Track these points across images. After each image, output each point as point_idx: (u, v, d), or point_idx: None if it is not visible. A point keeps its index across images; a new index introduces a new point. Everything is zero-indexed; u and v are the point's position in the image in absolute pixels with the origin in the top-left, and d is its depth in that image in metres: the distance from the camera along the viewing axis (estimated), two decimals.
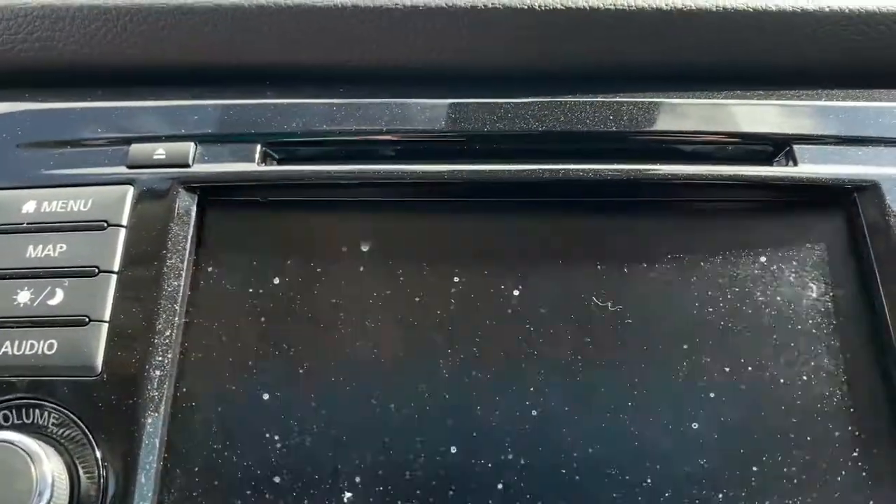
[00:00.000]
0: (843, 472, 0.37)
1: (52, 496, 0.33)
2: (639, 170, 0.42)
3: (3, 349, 0.38)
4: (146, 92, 0.45)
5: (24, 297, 0.39)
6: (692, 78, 0.46)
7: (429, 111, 0.43)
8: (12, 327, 0.38)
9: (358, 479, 0.37)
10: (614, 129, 0.43)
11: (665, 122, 0.44)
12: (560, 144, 0.44)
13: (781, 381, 0.38)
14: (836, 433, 0.37)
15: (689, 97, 0.45)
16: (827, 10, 0.45)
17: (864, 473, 0.37)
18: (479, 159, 0.42)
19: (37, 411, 0.37)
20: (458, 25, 0.44)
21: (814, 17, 0.45)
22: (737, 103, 0.44)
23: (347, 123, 0.43)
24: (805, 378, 0.38)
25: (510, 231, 0.42)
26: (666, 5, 0.44)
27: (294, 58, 0.45)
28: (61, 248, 0.40)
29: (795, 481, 0.36)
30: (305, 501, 0.36)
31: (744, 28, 0.45)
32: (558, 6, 0.44)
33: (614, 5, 0.44)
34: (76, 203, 0.41)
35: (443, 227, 0.42)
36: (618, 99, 0.44)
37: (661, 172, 0.42)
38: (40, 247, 0.40)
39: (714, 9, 0.45)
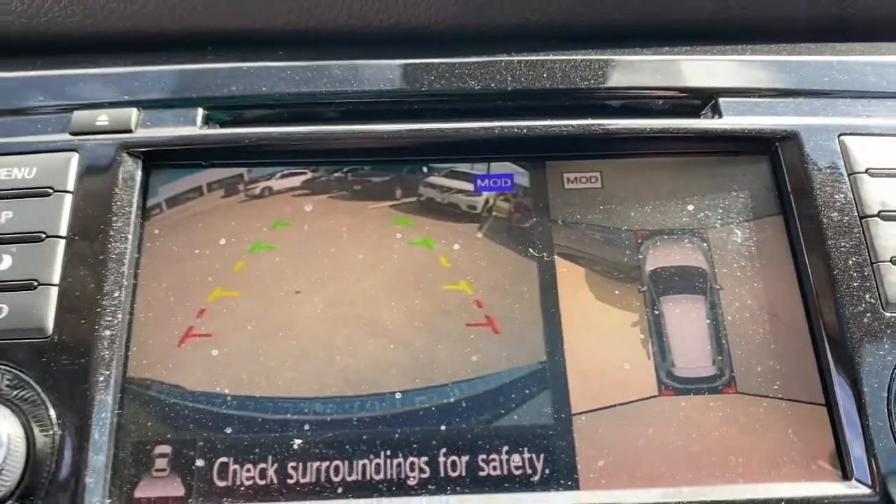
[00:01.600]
0: (765, 373, 0.39)
1: (6, 455, 0.34)
2: (573, 125, 0.43)
3: None
4: (87, 60, 0.45)
5: None
6: (620, 36, 0.48)
7: (368, 72, 0.44)
8: None
9: (306, 427, 0.38)
10: (548, 86, 0.45)
11: (597, 79, 0.45)
12: (497, 102, 0.45)
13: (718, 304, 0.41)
14: (765, 350, 0.40)
15: (618, 54, 0.46)
16: None
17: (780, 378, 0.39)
18: (417, 119, 0.43)
19: None
20: None
21: None
22: (664, 59, 0.46)
23: (288, 86, 0.44)
24: (735, 303, 0.41)
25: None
26: None
27: (234, 22, 0.46)
28: (7, 214, 0.40)
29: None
30: (257, 450, 0.38)
31: None
32: None
33: None
34: (20, 171, 0.41)
35: (382, 185, 0.43)
36: (551, 57, 0.46)
37: (595, 127, 0.43)
38: None
39: None
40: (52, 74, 0.44)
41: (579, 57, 0.46)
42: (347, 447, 0.37)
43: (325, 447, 0.38)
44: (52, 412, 0.37)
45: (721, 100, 0.44)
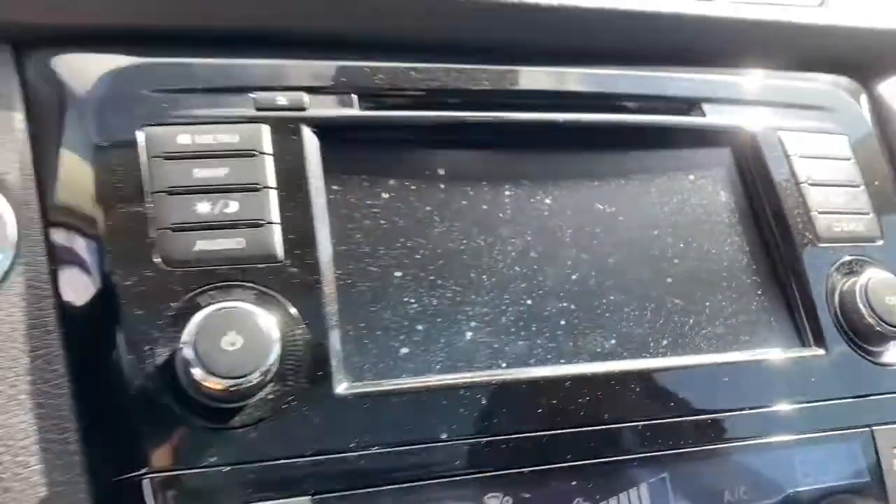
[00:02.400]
0: (738, 316, 0.60)
1: (278, 349, 0.46)
2: (603, 119, 0.62)
3: (199, 246, 0.48)
4: (258, 51, 0.56)
5: (203, 207, 0.50)
6: (623, 59, 0.67)
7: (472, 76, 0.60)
8: (202, 229, 0.49)
9: (473, 324, 0.53)
10: (581, 90, 0.63)
11: (612, 87, 0.64)
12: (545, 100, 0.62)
13: (700, 259, 0.61)
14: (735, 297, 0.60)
15: (629, 71, 0.66)
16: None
17: (753, 319, 0.60)
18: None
19: (239, 290, 0.48)
20: None
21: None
22: (665, 76, 0.66)
23: (421, 83, 0.58)
24: (712, 260, 0.61)
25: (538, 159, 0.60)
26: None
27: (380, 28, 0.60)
28: (224, 170, 0.51)
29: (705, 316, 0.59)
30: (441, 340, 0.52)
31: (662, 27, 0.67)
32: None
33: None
34: (224, 136, 0.52)
35: (492, 158, 0.59)
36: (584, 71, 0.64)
37: (616, 120, 0.62)
38: (205, 170, 0.51)
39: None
40: (237, 63, 0.55)
41: (599, 71, 0.64)
42: None
43: None
44: (328, 307, 0.48)
45: (704, 104, 0.65)
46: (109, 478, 0.45)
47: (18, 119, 0.52)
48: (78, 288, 0.49)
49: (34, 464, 0.44)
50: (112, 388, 0.46)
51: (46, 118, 0.52)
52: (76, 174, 0.51)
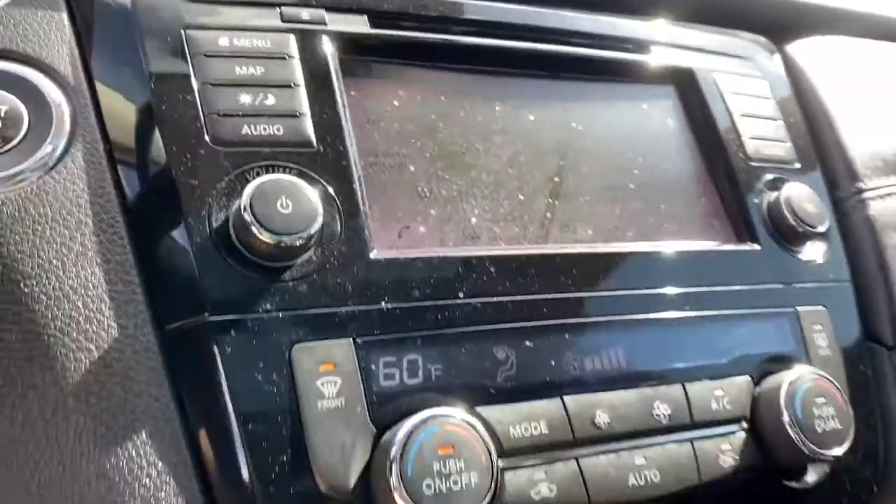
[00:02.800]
0: (688, 217, 0.70)
1: (322, 218, 0.52)
2: (576, 53, 0.72)
3: (245, 130, 0.55)
4: None
5: (245, 98, 0.56)
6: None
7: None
8: (245, 116, 0.55)
9: (477, 211, 0.61)
10: (558, 27, 0.73)
11: (582, 27, 0.74)
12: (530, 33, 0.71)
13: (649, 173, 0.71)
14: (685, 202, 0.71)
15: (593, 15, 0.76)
16: None
17: (700, 220, 0.71)
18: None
19: (280, 169, 0.55)
20: None
21: None
22: (623, 22, 0.77)
23: (423, 10, 0.66)
24: (665, 172, 0.72)
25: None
26: None
27: None
28: (261, 69, 0.57)
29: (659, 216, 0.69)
30: (451, 220, 0.60)
31: None
32: None
33: None
34: (259, 41, 0.59)
35: (484, 79, 0.68)
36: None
37: (585, 54, 0.72)
38: (244, 68, 0.57)
39: None
40: None
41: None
42: None
43: None
44: (357, 187, 0.55)
45: (652, 47, 0.76)
46: (173, 324, 0.51)
47: (65, 17, 0.57)
48: (133, 164, 0.54)
49: (105, 309, 0.49)
50: (172, 249, 0.52)
51: (94, 17, 0.57)
52: (122, 70, 0.56)
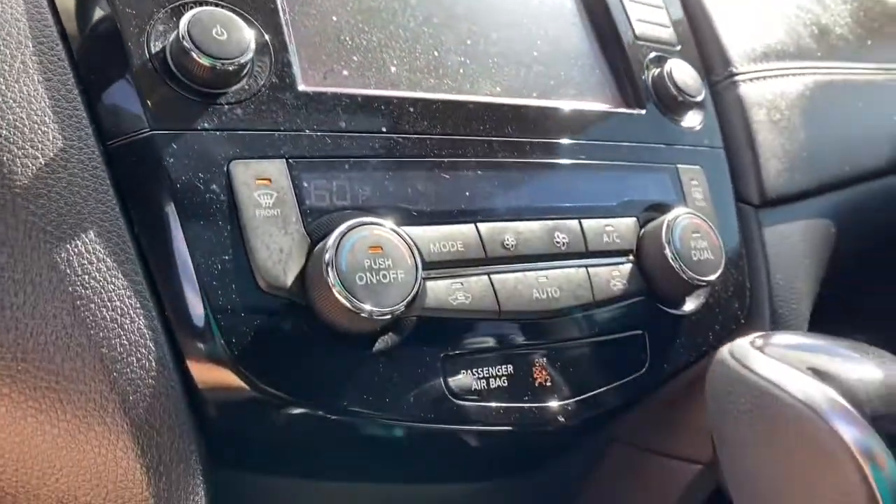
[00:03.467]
0: (585, 84, 0.78)
1: (254, 49, 0.57)
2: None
3: None
4: None
5: None
6: None
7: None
8: None
9: (396, 62, 0.66)
10: None
11: None
12: None
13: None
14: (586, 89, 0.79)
15: None
16: None
17: (595, 87, 0.79)
18: None
19: (213, 6, 0.58)
20: None
21: None
22: None
23: None
24: (566, 46, 0.79)
25: None
26: None
27: None
28: None
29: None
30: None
31: None
32: None
33: None
34: None
35: None
36: None
37: None
38: None
39: None
40: None
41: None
42: None
43: None
44: (285, 29, 0.59)
45: None
46: (116, 140, 0.54)
47: None
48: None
49: (49, 122, 0.52)
50: (112, 75, 0.55)
51: None
52: None
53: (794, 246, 0.84)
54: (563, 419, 0.64)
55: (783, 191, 0.84)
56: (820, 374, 0.44)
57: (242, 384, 0.52)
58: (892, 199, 0.95)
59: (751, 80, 0.89)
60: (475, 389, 0.60)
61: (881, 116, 0.99)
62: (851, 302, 0.93)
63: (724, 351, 0.50)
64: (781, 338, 0.50)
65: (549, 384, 0.64)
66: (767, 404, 0.44)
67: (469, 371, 0.60)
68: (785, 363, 0.45)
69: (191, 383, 0.53)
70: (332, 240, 0.54)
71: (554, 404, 0.64)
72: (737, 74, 0.88)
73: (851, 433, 0.41)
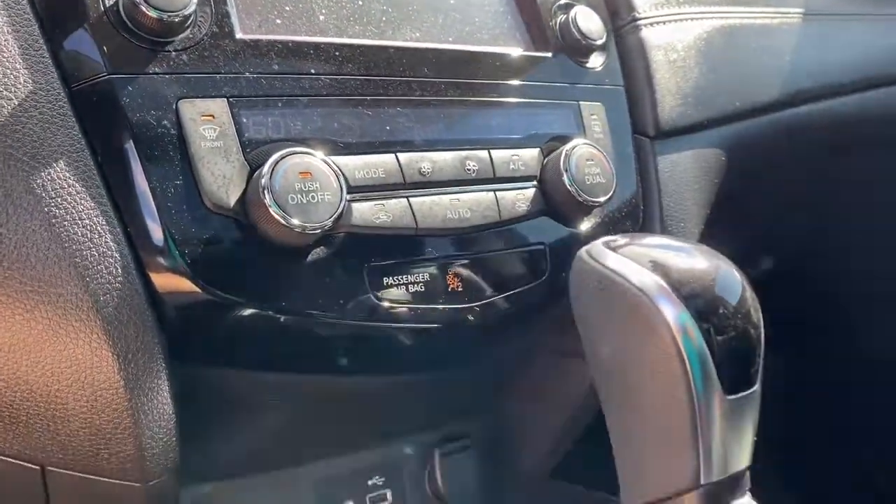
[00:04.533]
0: (497, 30, 0.88)
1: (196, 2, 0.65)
2: None
3: None
4: None
5: None
6: None
7: None
8: None
9: (324, 11, 0.75)
10: None
11: None
12: None
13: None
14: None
15: None
16: None
17: (506, 32, 0.88)
18: None
19: None
20: None
21: None
22: None
23: None
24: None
25: None
26: None
27: None
28: None
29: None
30: None
31: None
32: None
33: None
34: None
35: None
36: None
37: None
38: None
39: None
40: None
41: None
42: None
43: None
44: None
45: None
46: (79, 83, 0.63)
47: None
48: None
49: (20, 68, 0.61)
50: (72, 27, 0.63)
51: None
52: None
53: (685, 173, 0.96)
54: (472, 318, 0.76)
55: (676, 124, 0.96)
56: (654, 265, 0.55)
57: (195, 288, 0.63)
58: (779, 133, 1.07)
59: (652, 24, 0.99)
60: (396, 294, 0.72)
61: (773, 57, 1.10)
62: (736, 223, 1.06)
63: (583, 250, 0.62)
64: (632, 239, 0.61)
65: (460, 290, 0.75)
66: (612, 290, 0.56)
67: (390, 278, 0.72)
68: (628, 258, 0.57)
69: (151, 288, 0.63)
70: (267, 167, 0.64)
71: (464, 306, 0.75)
72: (639, 19, 0.98)
73: (670, 311, 0.53)
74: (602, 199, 0.82)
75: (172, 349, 0.66)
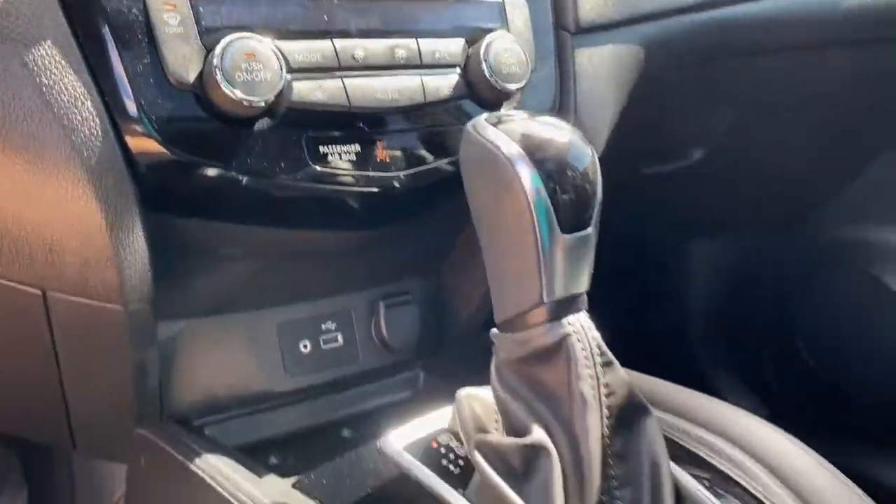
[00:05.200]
0: None
1: None
2: None
3: None
4: None
5: None
6: None
7: None
8: None
9: None
10: None
11: None
12: None
13: None
14: None
15: None
16: None
17: None
18: None
19: None
20: None
21: None
22: None
23: None
24: None
25: None
26: None
27: None
28: None
29: None
30: None
31: None
32: None
33: None
34: None
35: None
36: None
37: None
38: None
39: None
40: None
41: None
42: None
43: None
44: None
45: None
46: None
47: None
48: None
49: None
50: None
51: None
52: None
53: (602, 67, 1.09)
54: (398, 185, 0.91)
55: (595, 21, 1.08)
56: (521, 137, 0.70)
57: (162, 150, 0.78)
58: (697, 32, 1.19)
59: None
60: (331, 160, 0.87)
61: None
62: (653, 116, 1.20)
63: (469, 124, 0.76)
64: (512, 115, 0.75)
65: (388, 160, 0.90)
66: (486, 156, 0.70)
67: (326, 147, 0.87)
68: (502, 131, 0.71)
69: (126, 149, 0.78)
70: (218, 49, 0.77)
71: (392, 174, 0.91)
72: None
73: (526, 173, 0.67)
74: (515, 87, 0.95)
75: (146, 200, 0.81)
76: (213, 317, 1.05)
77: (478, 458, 0.68)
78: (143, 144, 0.78)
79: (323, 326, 1.12)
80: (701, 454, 0.80)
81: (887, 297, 1.86)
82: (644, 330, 2.36)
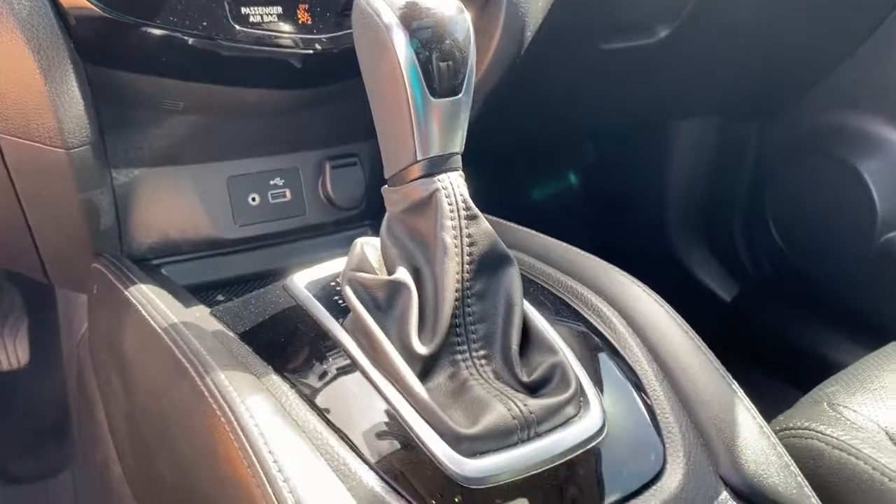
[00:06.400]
0: None
1: None
2: None
3: None
4: None
5: None
6: None
7: None
8: None
9: None
10: None
11: None
12: None
13: None
14: None
15: None
16: None
17: None
18: None
19: None
20: None
21: None
22: None
23: None
24: None
25: None
26: None
27: None
28: None
29: None
30: None
31: None
32: None
33: None
34: None
35: None
36: None
37: None
38: None
39: None
40: None
41: None
42: None
43: None
44: None
45: None
46: None
47: None
48: None
49: None
50: None
51: None
52: None
53: None
54: (319, 47, 0.97)
55: None
56: (403, 6, 0.75)
57: (88, 3, 0.85)
58: None
59: None
60: (253, 20, 0.93)
61: None
62: None
63: None
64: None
65: (309, 23, 0.96)
66: (370, 24, 0.74)
67: (248, 8, 0.92)
68: (386, 2, 0.76)
69: (61, 9, 0.85)
70: None
71: (313, 37, 0.96)
72: None
73: (401, 40, 0.73)
74: None
75: (83, 52, 0.89)
76: (167, 167, 1.13)
77: (346, 290, 0.78)
78: (74, 2, 0.85)
79: (271, 182, 1.21)
80: (566, 299, 0.90)
81: (860, 189, 1.90)
82: (625, 204, 2.43)
